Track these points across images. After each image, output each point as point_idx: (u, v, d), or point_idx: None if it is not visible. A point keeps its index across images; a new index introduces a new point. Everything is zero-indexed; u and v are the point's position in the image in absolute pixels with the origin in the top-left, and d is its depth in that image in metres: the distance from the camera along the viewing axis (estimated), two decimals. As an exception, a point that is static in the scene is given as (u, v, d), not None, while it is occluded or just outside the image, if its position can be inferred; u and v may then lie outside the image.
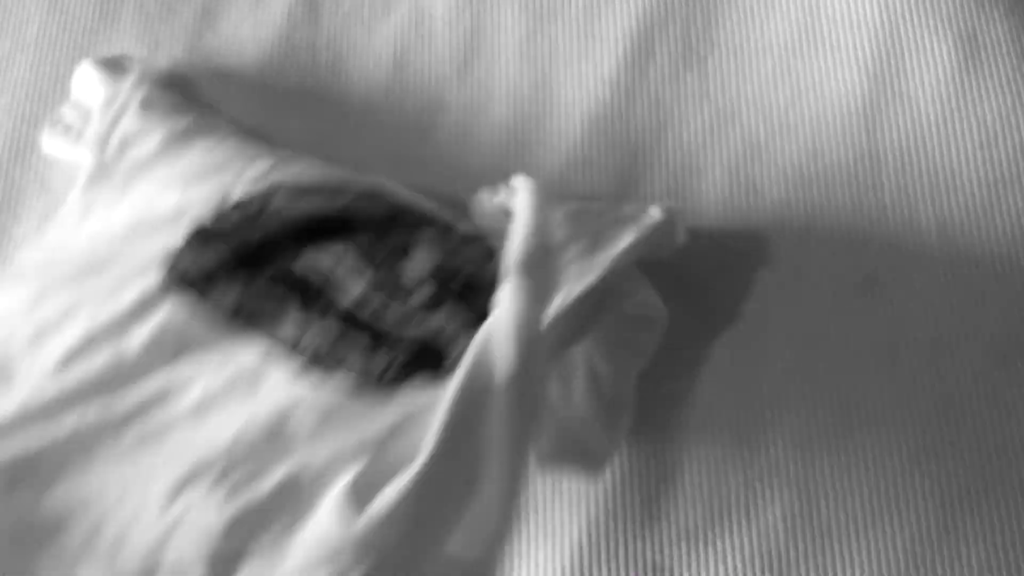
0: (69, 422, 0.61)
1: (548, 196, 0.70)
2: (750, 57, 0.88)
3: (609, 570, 0.72)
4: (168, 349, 0.64)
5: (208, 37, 0.92)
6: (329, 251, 0.67)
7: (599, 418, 0.71)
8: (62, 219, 0.75)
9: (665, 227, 0.71)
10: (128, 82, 0.79)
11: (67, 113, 0.83)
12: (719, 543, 0.72)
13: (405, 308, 0.65)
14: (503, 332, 0.60)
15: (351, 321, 0.64)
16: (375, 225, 0.69)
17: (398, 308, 0.64)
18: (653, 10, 0.90)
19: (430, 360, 0.63)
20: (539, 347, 0.61)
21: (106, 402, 0.62)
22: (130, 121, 0.77)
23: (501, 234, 0.68)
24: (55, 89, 0.91)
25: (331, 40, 0.92)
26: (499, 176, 0.85)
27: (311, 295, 0.65)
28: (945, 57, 0.86)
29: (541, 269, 0.64)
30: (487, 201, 0.75)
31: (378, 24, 0.92)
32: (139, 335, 0.64)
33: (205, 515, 0.57)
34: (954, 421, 0.74)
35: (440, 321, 0.64)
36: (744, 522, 0.72)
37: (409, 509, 0.55)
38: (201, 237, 0.68)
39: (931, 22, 0.87)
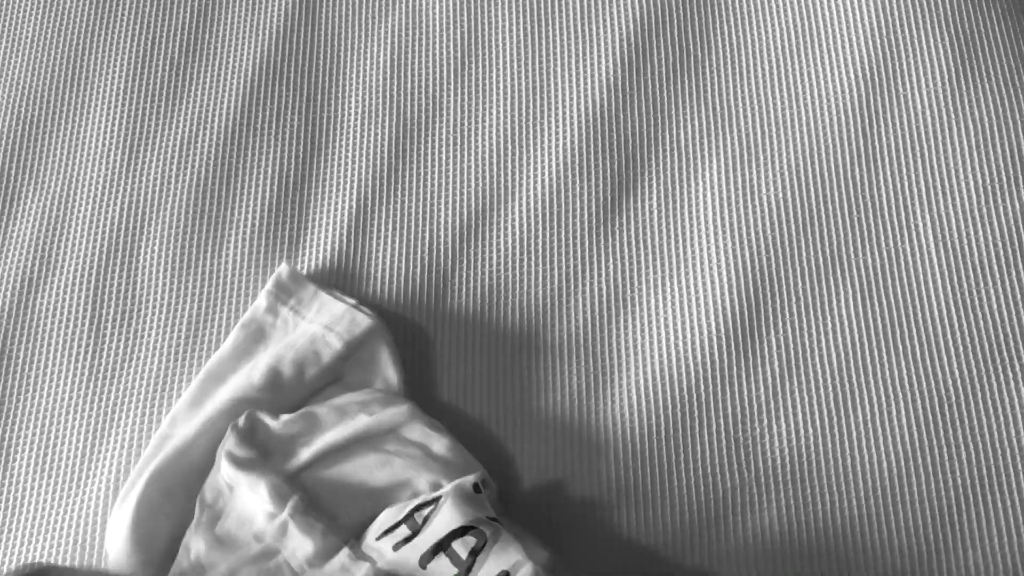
0: None
1: None
2: (746, 59, 0.88)
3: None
4: None
5: (205, 38, 0.92)
6: None
7: None
8: None
9: None
10: None
11: None
12: (717, 544, 0.72)
13: None
14: None
15: None
16: None
17: None
18: (650, 13, 0.90)
19: None
20: None
21: None
22: None
23: None
24: (52, 89, 0.91)
25: (329, 42, 0.92)
26: (498, 176, 0.85)
27: None
28: (941, 59, 0.86)
29: None
30: None
31: (376, 26, 0.92)
32: None
33: None
34: (950, 421, 0.74)
35: None
36: (741, 524, 0.72)
37: None
38: None
39: (927, 24, 0.87)
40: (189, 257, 0.83)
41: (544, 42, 0.90)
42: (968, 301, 0.78)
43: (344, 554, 0.66)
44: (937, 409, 0.75)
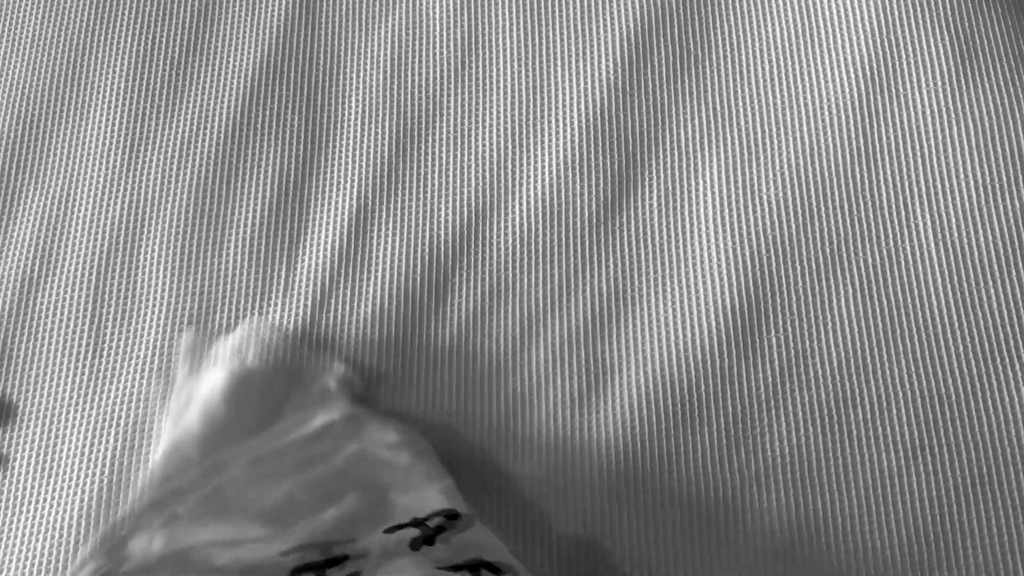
0: None
1: None
2: (747, 58, 0.88)
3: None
4: None
5: (206, 38, 0.92)
6: None
7: None
8: None
9: None
10: None
11: None
12: (717, 542, 0.72)
13: None
14: None
15: None
16: None
17: None
18: (650, 12, 0.90)
19: None
20: None
21: None
22: None
23: None
24: (51, 89, 0.91)
25: (329, 42, 0.92)
26: (498, 175, 0.85)
27: None
28: (941, 59, 0.86)
29: None
30: None
31: (376, 26, 0.92)
32: None
33: None
34: (950, 420, 0.74)
35: None
36: (741, 523, 0.72)
37: None
38: None
39: (928, 24, 0.87)
40: (189, 257, 0.83)
41: (544, 41, 0.90)
42: (968, 301, 0.78)
43: None
44: (937, 408, 0.75)
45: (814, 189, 0.82)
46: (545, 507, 0.73)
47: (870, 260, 0.80)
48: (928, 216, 0.81)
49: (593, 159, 0.85)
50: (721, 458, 0.74)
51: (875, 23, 0.88)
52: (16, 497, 0.76)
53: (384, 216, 0.84)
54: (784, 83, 0.87)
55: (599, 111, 0.86)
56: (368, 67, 0.90)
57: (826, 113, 0.85)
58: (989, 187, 0.82)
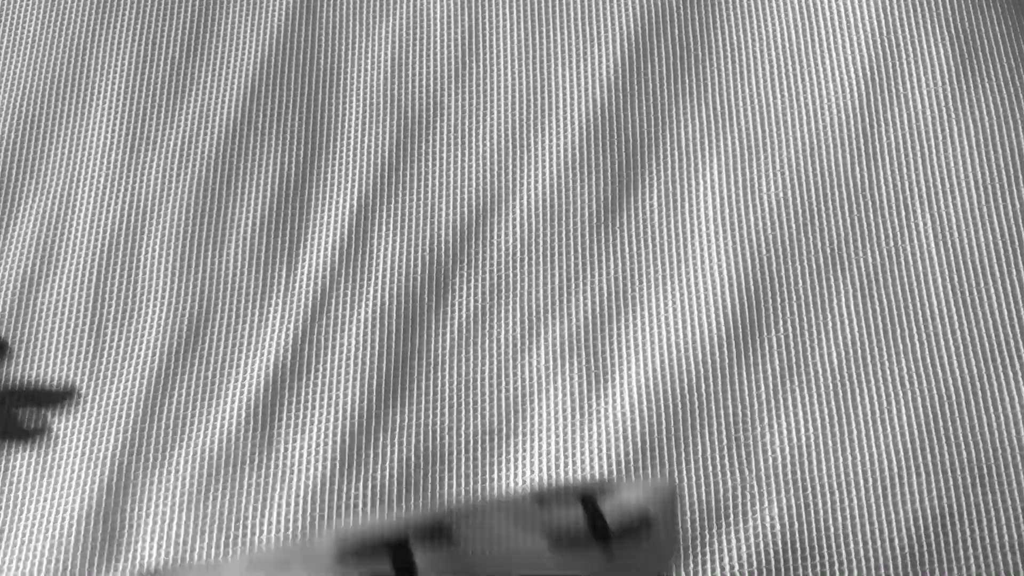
0: None
1: None
2: (747, 58, 0.88)
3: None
4: None
5: (207, 38, 0.92)
6: None
7: None
8: None
9: None
10: None
11: None
12: (717, 543, 0.72)
13: None
14: None
15: None
16: None
17: None
18: (651, 12, 0.90)
19: None
20: None
21: None
22: None
23: None
24: (52, 90, 0.91)
25: (330, 42, 0.92)
26: (499, 175, 0.85)
27: None
28: (942, 59, 0.86)
29: None
30: None
31: (376, 26, 0.92)
32: None
33: None
34: (951, 419, 0.74)
35: None
36: (742, 522, 0.72)
37: None
38: None
39: (928, 24, 0.88)
40: (190, 257, 0.84)
41: (545, 41, 0.90)
42: (968, 299, 0.78)
43: None
44: (937, 407, 0.75)
45: (814, 189, 0.83)
46: (545, 506, 0.73)
47: (870, 259, 0.80)
48: (928, 216, 0.81)
49: (594, 159, 0.85)
50: (721, 458, 0.74)
51: (875, 23, 0.88)
52: (16, 497, 0.76)
53: (385, 216, 0.84)
54: (784, 83, 0.87)
55: (600, 111, 0.87)
56: (369, 67, 0.91)
57: (826, 113, 0.85)
58: (989, 187, 0.82)
